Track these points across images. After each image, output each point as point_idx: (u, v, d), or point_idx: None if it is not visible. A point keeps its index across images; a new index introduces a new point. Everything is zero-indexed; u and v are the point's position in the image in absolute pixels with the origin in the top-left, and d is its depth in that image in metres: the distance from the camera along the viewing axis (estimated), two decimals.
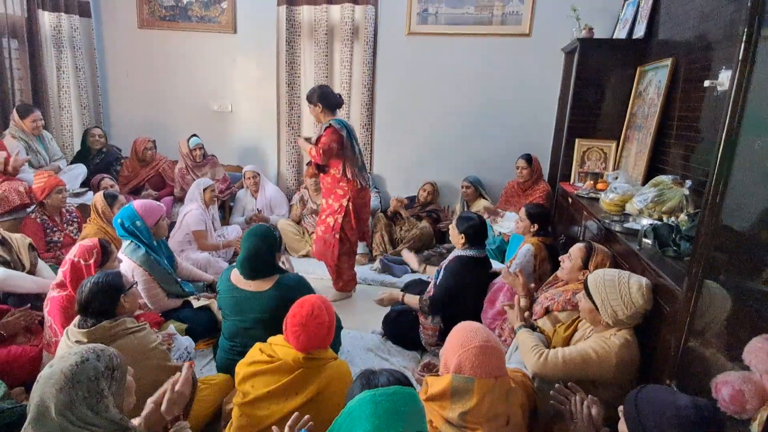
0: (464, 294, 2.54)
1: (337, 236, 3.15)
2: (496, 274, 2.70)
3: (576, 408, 1.48)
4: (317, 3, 4.26)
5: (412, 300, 2.65)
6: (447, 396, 1.33)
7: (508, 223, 3.59)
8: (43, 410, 1.15)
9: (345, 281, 3.33)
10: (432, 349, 2.59)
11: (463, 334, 1.39)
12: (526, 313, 2.12)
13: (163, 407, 1.43)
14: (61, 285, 2.08)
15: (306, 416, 1.41)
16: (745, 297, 1.31)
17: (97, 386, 1.21)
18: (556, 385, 1.57)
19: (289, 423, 1.38)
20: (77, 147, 4.32)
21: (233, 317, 2.16)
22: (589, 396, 1.50)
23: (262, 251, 2.16)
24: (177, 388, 1.45)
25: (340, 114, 4.48)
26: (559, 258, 2.26)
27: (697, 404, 1.13)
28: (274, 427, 1.39)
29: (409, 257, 3.31)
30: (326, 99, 3.09)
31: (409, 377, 2.12)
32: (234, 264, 2.26)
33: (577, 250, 2.14)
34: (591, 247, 2.12)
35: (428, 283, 2.82)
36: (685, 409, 1.11)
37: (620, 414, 1.26)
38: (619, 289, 1.70)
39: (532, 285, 2.37)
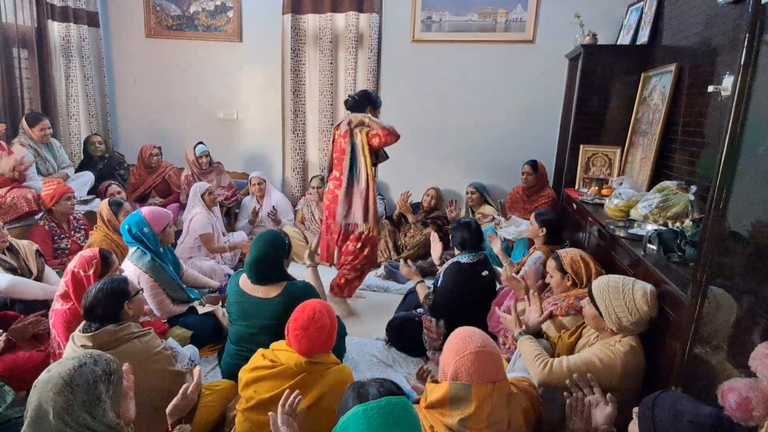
0: (464, 298, 2.53)
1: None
2: (492, 277, 2.69)
3: (577, 404, 1.47)
4: (322, 11, 4.30)
5: (422, 291, 2.65)
6: (446, 403, 1.32)
7: (513, 229, 3.58)
8: (41, 414, 1.16)
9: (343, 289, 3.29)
10: (436, 354, 2.59)
11: (459, 340, 1.39)
12: (534, 315, 2.11)
13: (168, 409, 1.47)
14: (65, 296, 2.07)
15: (296, 391, 1.44)
16: (751, 303, 1.30)
17: (95, 390, 1.22)
18: (575, 375, 1.55)
19: (281, 402, 1.41)
20: None
21: (240, 322, 2.17)
22: (608, 395, 1.48)
23: (270, 257, 2.16)
24: (189, 391, 1.52)
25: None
26: (546, 281, 2.31)
27: (719, 416, 1.10)
28: (270, 413, 1.39)
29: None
30: (375, 102, 3.09)
31: (404, 385, 2.12)
32: (242, 269, 2.26)
33: (549, 266, 2.24)
34: (557, 256, 2.21)
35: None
36: (705, 417, 1.09)
37: (634, 415, 1.24)
38: (624, 295, 1.69)
39: (535, 294, 2.36)
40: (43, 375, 1.21)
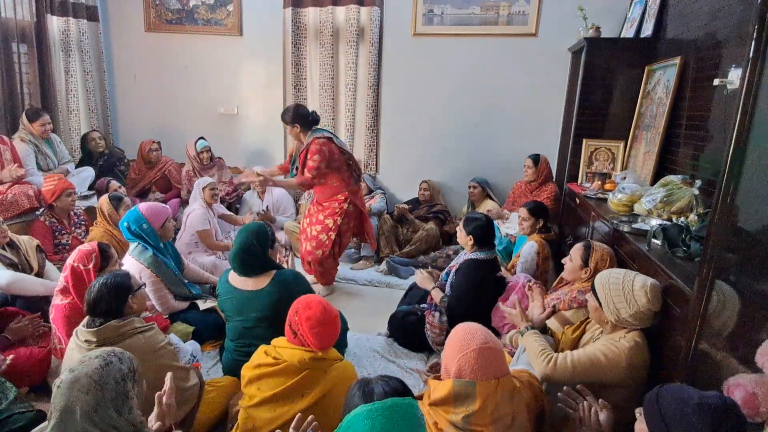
0: (477, 295, 2.51)
1: (333, 237, 3.20)
2: (503, 279, 2.67)
3: (584, 414, 1.46)
4: (323, 5, 4.26)
5: (437, 295, 2.62)
6: (450, 400, 1.32)
7: (515, 224, 3.57)
8: (67, 415, 1.15)
9: (330, 277, 3.39)
10: (439, 349, 2.58)
11: (461, 337, 1.38)
12: (537, 311, 2.09)
13: (152, 422, 1.39)
14: (64, 291, 2.07)
15: (310, 417, 1.40)
16: (757, 298, 1.29)
17: (123, 388, 1.23)
18: (564, 388, 1.55)
19: (293, 425, 1.37)
20: None
21: (235, 318, 2.16)
22: (600, 400, 1.48)
23: (253, 246, 2.15)
24: (165, 401, 1.43)
25: (343, 118, 4.48)
26: (562, 261, 2.27)
27: (724, 396, 1.10)
28: (278, 431, 1.38)
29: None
30: (303, 118, 3.11)
31: (413, 380, 2.09)
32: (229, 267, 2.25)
33: (576, 249, 2.18)
34: (589, 245, 2.15)
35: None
36: (711, 398, 1.08)
37: (637, 414, 1.23)
38: (623, 286, 1.68)
39: (537, 289, 2.33)
40: (67, 376, 1.19)
